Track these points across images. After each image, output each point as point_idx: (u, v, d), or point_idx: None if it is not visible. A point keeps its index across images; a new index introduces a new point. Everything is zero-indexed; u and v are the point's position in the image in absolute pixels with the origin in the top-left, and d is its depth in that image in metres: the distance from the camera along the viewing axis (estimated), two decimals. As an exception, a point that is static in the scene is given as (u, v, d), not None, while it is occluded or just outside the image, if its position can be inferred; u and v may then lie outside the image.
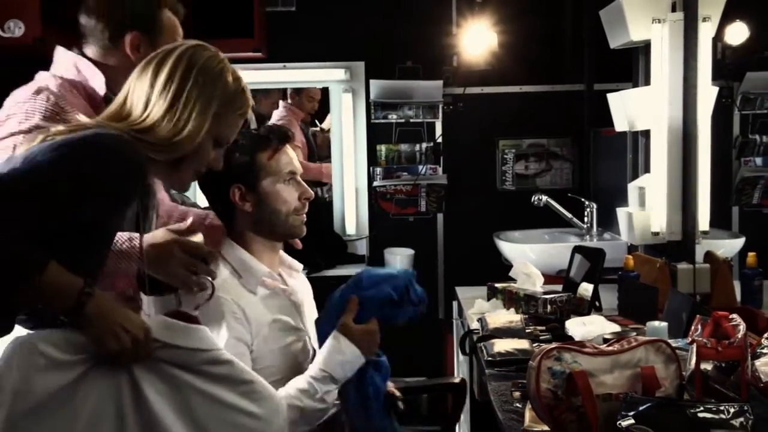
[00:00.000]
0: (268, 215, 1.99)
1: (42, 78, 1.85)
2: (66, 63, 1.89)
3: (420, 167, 4.30)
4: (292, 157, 2.04)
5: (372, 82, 4.20)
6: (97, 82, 1.87)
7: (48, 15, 3.19)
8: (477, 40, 4.11)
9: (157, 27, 1.93)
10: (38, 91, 1.78)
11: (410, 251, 4.21)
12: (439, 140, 4.32)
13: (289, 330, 1.97)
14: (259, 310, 1.92)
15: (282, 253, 2.11)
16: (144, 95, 1.55)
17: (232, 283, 1.93)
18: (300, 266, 2.14)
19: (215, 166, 1.66)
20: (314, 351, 1.98)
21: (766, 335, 1.96)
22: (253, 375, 1.52)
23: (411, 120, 4.32)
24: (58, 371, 1.38)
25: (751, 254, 2.70)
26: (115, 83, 1.77)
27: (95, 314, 1.39)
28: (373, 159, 4.36)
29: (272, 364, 1.91)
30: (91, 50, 1.91)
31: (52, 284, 1.35)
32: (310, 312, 2.08)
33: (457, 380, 2.43)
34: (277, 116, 4.72)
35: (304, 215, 2.05)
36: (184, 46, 1.61)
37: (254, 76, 4.34)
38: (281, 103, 4.76)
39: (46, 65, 1.89)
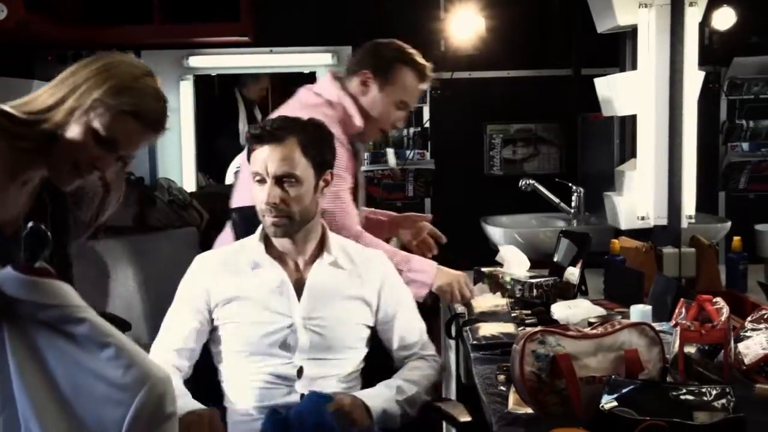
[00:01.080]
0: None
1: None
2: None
3: (408, 152, 4.30)
4: (267, 156, 1.98)
5: (359, 66, 4.18)
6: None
7: (31, -1, 3.17)
8: (464, 24, 4.10)
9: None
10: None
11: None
12: (427, 125, 4.31)
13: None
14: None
15: (329, 247, 2.09)
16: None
17: None
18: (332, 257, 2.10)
19: (100, 167, 1.59)
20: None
21: (749, 318, 1.97)
22: (117, 337, 1.34)
23: (398, 105, 4.30)
24: None
25: (737, 239, 2.71)
26: None
27: None
28: (360, 144, 4.34)
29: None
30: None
31: None
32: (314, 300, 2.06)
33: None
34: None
35: (275, 218, 2.00)
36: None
37: (240, 61, 4.34)
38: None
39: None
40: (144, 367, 1.33)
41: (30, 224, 1.58)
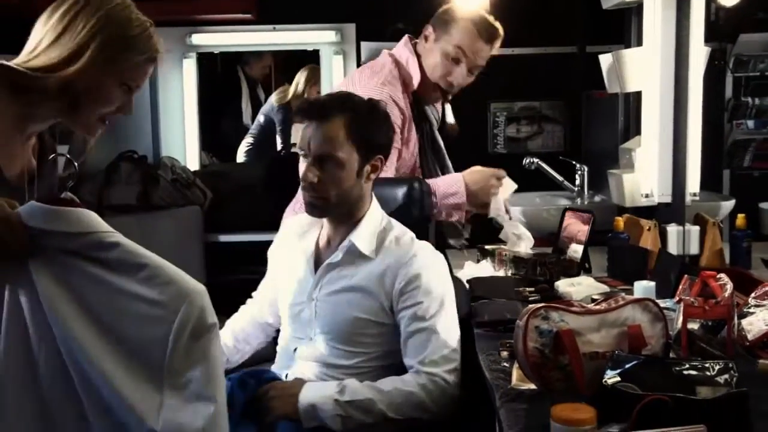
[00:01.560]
0: None
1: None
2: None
3: (411, 130, 4.28)
4: (311, 134, 1.95)
5: (363, 44, 4.17)
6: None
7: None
8: (468, 1, 4.06)
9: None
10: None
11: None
12: (431, 103, 4.29)
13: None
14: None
15: (357, 231, 2.02)
16: (39, 34, 1.58)
17: None
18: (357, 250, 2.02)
19: (125, 112, 1.65)
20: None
21: (753, 295, 1.97)
22: (151, 258, 1.36)
23: (402, 82, 4.29)
24: None
25: (741, 216, 2.71)
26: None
27: None
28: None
29: None
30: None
31: None
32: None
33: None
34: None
35: (311, 198, 1.98)
36: None
37: (243, 39, 4.32)
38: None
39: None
40: (182, 282, 1.36)
41: (55, 155, 1.66)
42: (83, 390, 1.35)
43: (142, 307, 1.34)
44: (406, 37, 2.67)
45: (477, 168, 2.60)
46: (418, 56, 2.61)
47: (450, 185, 2.56)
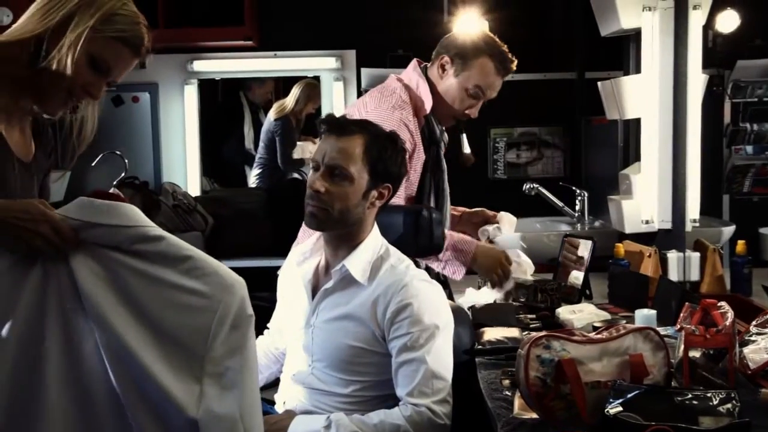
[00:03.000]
0: None
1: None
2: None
3: (411, 156, 4.29)
4: (329, 146, 1.97)
5: (363, 70, 4.19)
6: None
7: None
8: (468, 27, 4.10)
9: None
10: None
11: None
12: (431, 129, 4.30)
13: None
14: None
15: (352, 257, 1.99)
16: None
17: None
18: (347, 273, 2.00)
19: (93, 95, 1.66)
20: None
21: (754, 323, 1.97)
22: (194, 251, 1.40)
23: (402, 109, 4.31)
24: None
25: (741, 242, 2.71)
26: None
27: None
28: (364, 148, 4.34)
29: None
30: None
31: None
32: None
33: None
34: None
35: (313, 207, 1.97)
36: None
37: (245, 65, 4.35)
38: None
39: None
40: (224, 273, 1.40)
41: (106, 152, 1.67)
42: (123, 383, 1.37)
43: (185, 298, 1.37)
44: (414, 62, 2.68)
45: (491, 247, 2.65)
46: (429, 81, 2.61)
47: (462, 243, 2.57)
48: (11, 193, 1.59)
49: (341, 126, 1.99)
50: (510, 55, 2.62)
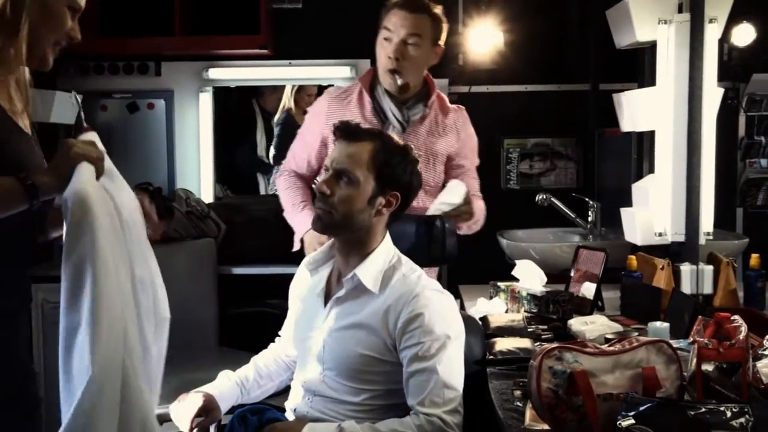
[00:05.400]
0: None
1: None
2: None
3: (425, 165, 4.29)
4: (339, 151, 2.01)
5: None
6: None
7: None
8: (483, 38, 4.11)
9: None
10: None
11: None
12: (444, 139, 4.31)
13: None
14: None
15: (363, 265, 2.01)
16: None
17: None
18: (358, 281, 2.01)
19: (75, 37, 1.68)
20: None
21: (767, 337, 1.96)
22: None
23: (416, 118, 4.31)
24: None
25: (755, 256, 2.70)
26: None
27: (52, 179, 1.56)
28: (377, 157, 4.35)
29: None
30: None
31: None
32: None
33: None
34: None
35: (319, 209, 2.01)
36: None
37: (259, 73, 4.36)
38: None
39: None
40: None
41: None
42: None
43: None
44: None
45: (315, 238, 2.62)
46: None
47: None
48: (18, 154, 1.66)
49: (352, 132, 2.02)
50: None
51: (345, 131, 2.03)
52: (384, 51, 2.66)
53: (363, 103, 2.71)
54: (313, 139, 2.76)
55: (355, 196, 1.97)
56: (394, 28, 2.63)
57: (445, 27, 2.72)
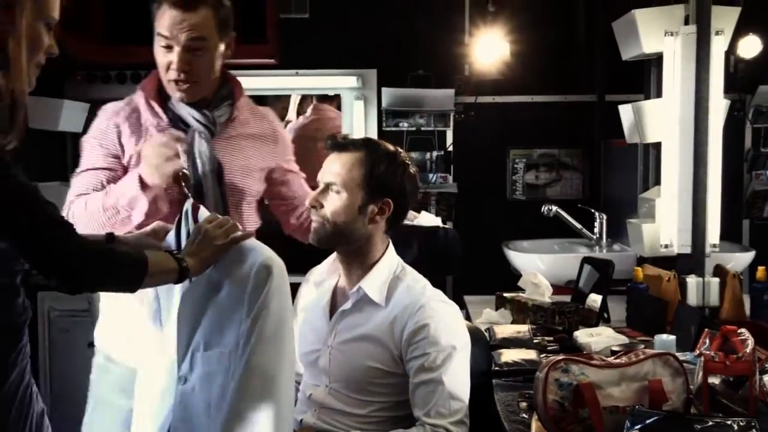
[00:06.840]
0: None
1: None
2: None
3: (430, 175, 4.30)
4: (328, 163, 2.02)
5: (384, 90, 4.20)
6: None
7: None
8: (489, 49, 4.12)
9: None
10: None
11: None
12: (450, 149, 4.32)
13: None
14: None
15: (368, 277, 2.02)
16: None
17: None
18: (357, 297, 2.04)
19: (53, 51, 1.60)
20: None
21: (774, 350, 1.96)
22: None
23: (422, 128, 4.32)
24: None
25: (761, 268, 2.69)
26: None
27: (197, 263, 1.72)
28: (383, 167, 4.35)
29: None
30: None
31: (158, 271, 1.66)
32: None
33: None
34: None
35: (314, 222, 2.03)
36: None
37: (266, 82, 4.36)
38: None
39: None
40: None
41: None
42: None
43: None
44: None
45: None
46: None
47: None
48: None
49: (341, 144, 2.03)
50: None
51: (333, 144, 2.04)
52: (164, 59, 2.18)
53: (156, 113, 2.23)
54: (110, 164, 2.22)
55: (344, 207, 1.98)
56: (169, 33, 2.13)
57: (229, 7, 2.24)
